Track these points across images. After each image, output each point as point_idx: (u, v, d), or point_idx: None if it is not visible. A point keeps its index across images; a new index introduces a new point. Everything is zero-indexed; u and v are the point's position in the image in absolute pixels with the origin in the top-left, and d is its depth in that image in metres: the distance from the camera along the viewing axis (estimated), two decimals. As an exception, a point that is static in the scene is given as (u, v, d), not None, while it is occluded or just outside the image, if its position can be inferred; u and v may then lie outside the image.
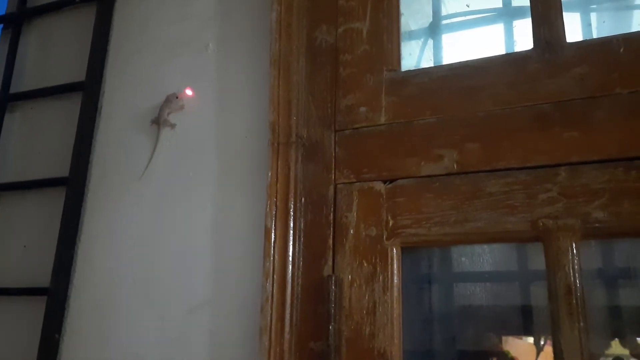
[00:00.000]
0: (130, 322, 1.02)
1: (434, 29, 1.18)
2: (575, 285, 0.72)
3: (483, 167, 0.81)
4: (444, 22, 1.20)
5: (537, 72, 0.81)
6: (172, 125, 1.07)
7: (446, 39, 1.19)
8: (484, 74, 0.85)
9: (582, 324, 0.71)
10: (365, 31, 0.96)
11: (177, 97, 1.07)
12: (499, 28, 1.11)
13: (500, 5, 1.08)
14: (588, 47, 0.80)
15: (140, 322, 1.01)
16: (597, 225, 0.73)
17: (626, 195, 0.72)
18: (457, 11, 1.19)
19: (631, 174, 0.73)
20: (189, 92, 1.06)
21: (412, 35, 1.17)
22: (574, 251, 0.74)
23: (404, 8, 0.99)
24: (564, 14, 0.85)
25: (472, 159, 0.82)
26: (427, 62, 1.18)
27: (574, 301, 0.72)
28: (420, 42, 1.17)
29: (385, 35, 0.94)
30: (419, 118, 0.87)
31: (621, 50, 0.77)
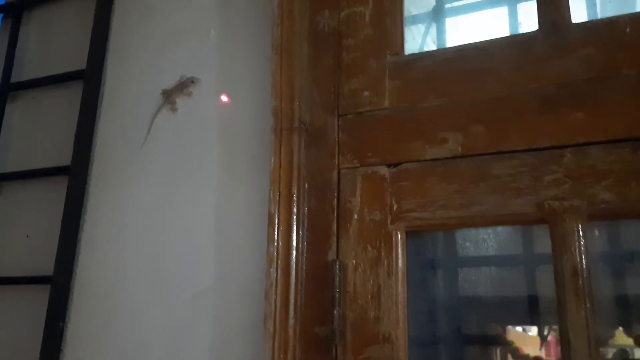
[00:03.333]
0: (134, 310, 1.01)
1: (438, 13, 1.17)
2: (582, 267, 0.72)
3: (488, 149, 0.80)
4: (448, 5, 1.19)
5: (542, 54, 0.80)
6: (173, 108, 1.07)
7: (449, 22, 1.18)
8: (489, 56, 0.84)
9: (588, 305, 0.71)
10: (368, 15, 0.95)
11: (192, 82, 1.06)
12: (503, 11, 1.10)
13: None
14: (594, 27, 0.79)
15: (145, 309, 1.01)
16: (603, 206, 0.73)
17: (633, 176, 0.72)
18: None
19: (638, 154, 0.72)
20: (224, 98, 1.03)
21: (415, 20, 1.16)
22: (580, 233, 0.73)
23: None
24: None
25: (477, 141, 0.81)
26: (431, 47, 1.17)
27: (580, 282, 0.71)
28: (423, 26, 1.16)
29: (388, 19, 0.93)
30: (423, 101, 0.86)
31: (627, 30, 0.76)
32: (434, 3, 1.17)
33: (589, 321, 0.70)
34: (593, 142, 0.75)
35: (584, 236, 0.73)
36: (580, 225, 0.73)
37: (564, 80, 0.78)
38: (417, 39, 1.17)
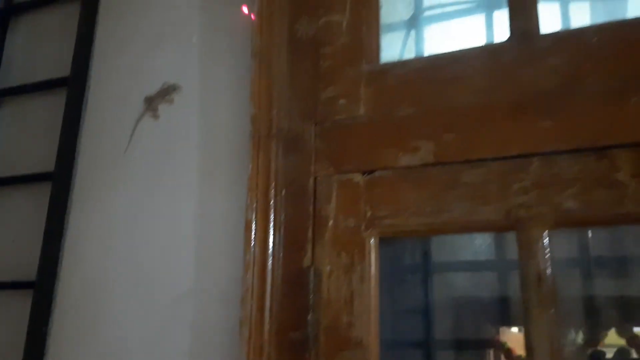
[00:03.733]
0: (116, 314, 1.03)
1: (416, 21, 1.19)
2: (546, 273, 0.73)
3: (459, 157, 0.82)
4: (426, 13, 1.21)
5: (512, 63, 0.82)
6: (155, 115, 1.08)
7: (428, 30, 1.19)
8: (461, 65, 0.85)
9: (552, 311, 0.72)
10: (345, 23, 0.96)
11: (174, 89, 1.08)
12: (480, 19, 1.12)
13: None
14: (562, 37, 0.80)
15: (126, 313, 1.02)
16: (568, 213, 0.74)
17: (597, 184, 0.73)
18: (439, 2, 1.20)
19: (602, 163, 0.74)
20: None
21: (394, 27, 1.17)
22: (546, 240, 0.75)
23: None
24: (543, 5, 0.85)
25: (448, 149, 0.83)
26: (410, 54, 1.19)
27: (544, 289, 0.73)
28: (402, 33, 1.18)
29: (364, 28, 0.95)
30: (397, 110, 0.88)
31: (594, 40, 0.78)
32: (413, 11, 1.18)
33: (552, 328, 0.71)
34: (559, 150, 0.76)
35: (549, 243, 0.75)
36: (545, 232, 0.75)
37: (532, 89, 0.79)
38: (397, 46, 1.18)
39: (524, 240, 0.76)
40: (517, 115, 0.79)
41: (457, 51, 0.87)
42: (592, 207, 0.73)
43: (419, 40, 1.17)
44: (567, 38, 0.80)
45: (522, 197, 0.77)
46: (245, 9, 1.02)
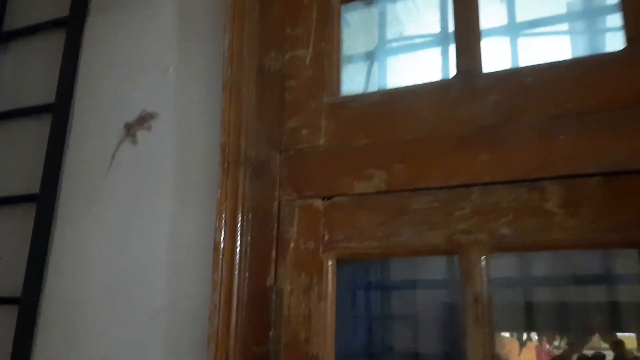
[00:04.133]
0: (96, 328, 1.09)
1: (380, 52, 1.26)
2: (482, 294, 0.80)
3: (408, 186, 0.89)
4: (388, 45, 1.28)
5: (457, 99, 0.89)
6: (134, 141, 1.15)
7: (391, 61, 1.26)
8: (412, 100, 0.92)
9: (487, 329, 0.79)
10: (308, 58, 1.03)
11: (151, 117, 1.15)
12: (437, 52, 1.19)
13: (438, 30, 1.15)
14: (501, 76, 0.87)
15: (106, 328, 1.08)
16: (503, 240, 0.81)
17: (529, 213, 0.80)
18: (401, 35, 1.27)
19: (533, 194, 0.80)
20: None
21: (359, 58, 1.24)
22: (483, 263, 0.82)
23: (353, 32, 1.07)
24: (495, 40, 0.93)
25: (398, 179, 0.90)
26: (374, 83, 1.26)
27: (480, 309, 0.80)
28: (367, 63, 1.25)
29: (326, 62, 1.02)
30: (354, 140, 0.95)
31: (529, 80, 0.85)
32: (376, 42, 1.25)
33: (486, 345, 0.78)
34: (496, 181, 0.83)
35: (487, 266, 0.82)
36: (483, 257, 0.82)
37: (474, 124, 0.86)
38: (362, 76, 1.25)
39: (464, 264, 0.82)
40: (460, 149, 0.86)
41: (408, 86, 0.94)
42: (524, 234, 0.80)
43: (382, 71, 1.24)
44: (506, 77, 0.87)
45: (463, 223, 0.84)
46: None
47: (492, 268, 0.82)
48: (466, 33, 0.91)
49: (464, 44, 0.91)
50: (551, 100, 0.82)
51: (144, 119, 1.15)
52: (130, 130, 1.16)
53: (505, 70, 0.88)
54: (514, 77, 0.86)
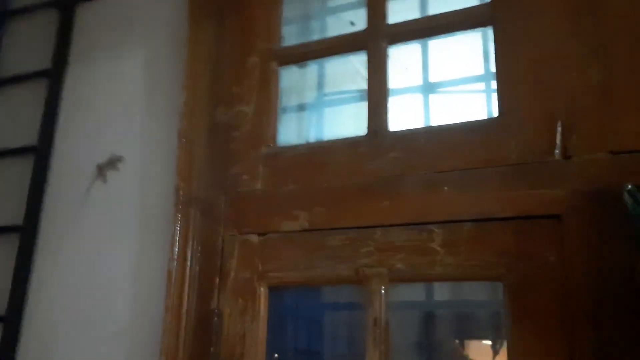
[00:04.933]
0: (70, 344, 1.26)
1: (318, 103, 1.43)
2: (381, 318, 0.97)
3: (326, 226, 1.06)
4: (325, 98, 1.45)
5: (366, 154, 1.06)
6: (105, 180, 1.32)
7: (327, 111, 1.44)
8: (330, 153, 1.10)
9: (383, 347, 0.96)
10: (250, 113, 1.21)
11: (119, 160, 1.32)
12: (362, 106, 1.36)
13: (362, 88, 1.32)
14: (402, 136, 1.05)
15: (78, 344, 1.26)
16: (398, 273, 0.98)
17: (418, 251, 0.97)
18: (336, 90, 1.45)
19: (422, 235, 0.98)
20: None
21: (296, 109, 1.42)
22: (382, 292, 0.99)
23: (291, 88, 1.25)
24: (410, 96, 1.11)
25: (318, 219, 1.07)
26: (312, 132, 1.44)
27: (378, 331, 0.97)
28: (306, 113, 1.42)
29: (264, 117, 1.19)
30: (284, 185, 1.12)
31: (422, 140, 1.02)
32: (315, 94, 1.43)
33: (381, 359, 0.95)
34: (394, 224, 1.00)
35: (386, 295, 0.99)
36: (383, 287, 0.99)
37: (378, 175, 1.04)
38: (303, 124, 1.43)
39: (367, 293, 1.00)
40: (366, 196, 1.04)
41: (328, 141, 1.12)
42: (414, 268, 0.98)
43: (319, 120, 1.41)
44: (404, 137, 1.05)
45: (367, 258, 1.01)
46: None
47: (399, 294, 1.00)
48: (376, 97, 1.09)
49: (373, 107, 1.09)
50: (437, 158, 1.00)
51: (113, 161, 1.33)
52: (102, 170, 1.34)
53: (405, 131, 1.06)
54: (411, 137, 1.04)
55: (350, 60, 1.35)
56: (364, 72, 1.15)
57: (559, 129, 0.92)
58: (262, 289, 1.09)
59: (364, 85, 1.13)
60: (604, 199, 0.85)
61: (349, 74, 1.37)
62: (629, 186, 0.80)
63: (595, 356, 0.82)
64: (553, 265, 0.87)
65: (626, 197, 0.80)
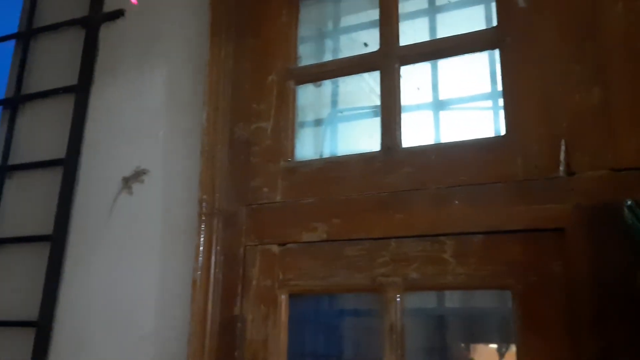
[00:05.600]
0: (98, 348, 1.33)
1: (332, 119, 1.50)
2: (397, 324, 1.04)
3: (343, 237, 1.12)
4: (340, 115, 1.52)
5: (380, 169, 1.13)
6: (130, 192, 1.39)
7: (341, 127, 1.50)
8: (346, 167, 1.16)
9: (399, 351, 1.02)
10: (269, 129, 1.27)
11: (144, 172, 1.39)
12: (376, 122, 1.42)
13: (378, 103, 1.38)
14: (414, 152, 1.11)
15: (106, 348, 1.33)
16: (412, 281, 1.05)
17: (431, 261, 1.04)
18: (349, 106, 1.52)
19: (434, 246, 1.04)
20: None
21: (316, 123, 1.49)
22: (398, 300, 1.05)
23: (308, 104, 1.31)
24: (421, 113, 1.17)
25: (336, 230, 1.13)
26: (327, 147, 1.50)
27: (394, 336, 1.03)
28: (322, 128, 1.49)
29: (283, 133, 1.26)
30: (303, 198, 1.19)
31: (433, 157, 1.09)
32: (329, 110, 1.49)
33: (397, 363, 1.02)
34: (407, 235, 1.07)
35: (401, 302, 1.05)
36: (398, 295, 1.05)
37: (392, 189, 1.10)
38: (318, 139, 1.49)
39: (383, 300, 1.06)
40: (381, 209, 1.10)
41: (344, 156, 1.18)
42: (427, 277, 1.04)
43: (334, 135, 1.47)
44: (417, 153, 1.11)
45: (383, 268, 1.07)
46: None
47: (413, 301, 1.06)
48: (389, 115, 1.15)
49: (387, 124, 1.15)
50: (448, 173, 1.06)
51: (138, 174, 1.40)
52: (127, 182, 1.41)
53: (417, 147, 1.12)
54: (423, 153, 1.10)
55: (364, 78, 1.41)
56: (377, 88, 1.22)
57: (563, 146, 0.98)
58: (283, 296, 1.15)
59: (377, 101, 1.20)
60: (605, 213, 0.91)
61: (363, 91, 1.44)
62: (629, 202, 0.87)
63: (598, 360, 0.88)
64: (558, 275, 0.93)
65: (626, 212, 0.86)
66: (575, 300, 0.91)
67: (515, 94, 1.04)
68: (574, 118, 0.98)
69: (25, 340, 1.40)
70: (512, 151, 1.02)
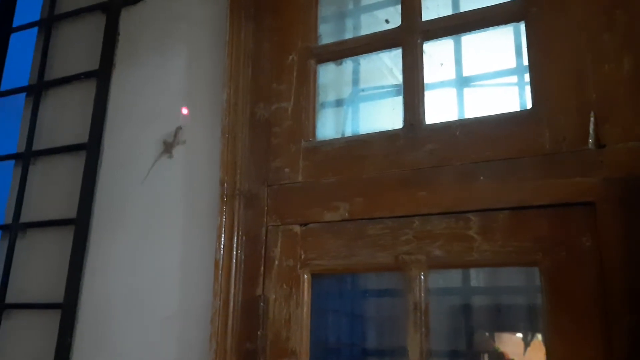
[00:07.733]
0: (122, 329, 1.35)
1: (354, 98, 1.48)
2: (420, 303, 1.02)
3: (365, 215, 1.11)
4: (362, 93, 1.50)
5: (402, 147, 1.11)
6: (171, 155, 1.39)
7: (363, 106, 1.49)
8: (368, 146, 1.15)
9: (423, 329, 1.01)
10: (290, 109, 1.27)
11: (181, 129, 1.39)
12: (398, 101, 1.40)
13: (397, 82, 1.37)
14: (437, 129, 1.09)
15: (130, 328, 1.34)
16: (436, 259, 1.03)
17: (455, 239, 1.02)
18: (371, 85, 1.49)
19: (459, 223, 1.02)
20: (185, 111, 1.37)
21: (337, 103, 1.47)
22: (421, 278, 1.04)
23: (329, 83, 1.30)
24: (444, 90, 1.15)
25: (358, 209, 1.12)
26: (349, 126, 1.49)
27: (419, 315, 1.02)
28: (343, 108, 1.47)
29: (303, 113, 1.25)
30: (324, 178, 1.18)
31: (457, 133, 1.07)
32: (351, 90, 1.47)
33: (422, 342, 1.00)
34: (431, 213, 1.05)
35: (425, 280, 1.04)
36: (422, 273, 1.04)
37: (415, 167, 1.08)
38: (340, 118, 1.48)
39: (406, 279, 1.05)
40: (404, 187, 1.08)
41: (366, 134, 1.16)
42: (452, 254, 1.02)
43: (355, 115, 1.45)
44: (440, 129, 1.09)
45: (406, 246, 1.06)
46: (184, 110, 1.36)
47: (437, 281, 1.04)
48: (411, 92, 1.13)
49: (409, 101, 1.13)
50: (473, 149, 1.04)
51: (174, 142, 1.39)
52: (175, 140, 1.40)
53: (440, 123, 1.10)
54: (447, 129, 1.08)
55: (381, 58, 1.39)
56: (394, 68, 1.20)
57: (592, 118, 0.95)
58: (305, 275, 1.15)
59: (396, 81, 1.18)
60: (636, 186, 0.89)
61: (382, 70, 1.42)
62: (662, 173, 0.84)
63: (631, 339, 0.85)
64: (588, 251, 0.91)
65: (659, 184, 0.83)
66: (606, 276, 0.89)
67: (542, 66, 1.02)
68: (603, 89, 0.95)
69: (52, 321, 1.42)
70: (539, 124, 0.99)
